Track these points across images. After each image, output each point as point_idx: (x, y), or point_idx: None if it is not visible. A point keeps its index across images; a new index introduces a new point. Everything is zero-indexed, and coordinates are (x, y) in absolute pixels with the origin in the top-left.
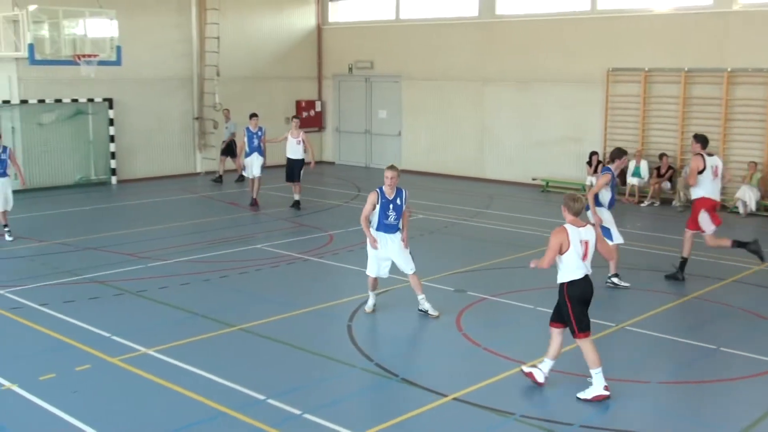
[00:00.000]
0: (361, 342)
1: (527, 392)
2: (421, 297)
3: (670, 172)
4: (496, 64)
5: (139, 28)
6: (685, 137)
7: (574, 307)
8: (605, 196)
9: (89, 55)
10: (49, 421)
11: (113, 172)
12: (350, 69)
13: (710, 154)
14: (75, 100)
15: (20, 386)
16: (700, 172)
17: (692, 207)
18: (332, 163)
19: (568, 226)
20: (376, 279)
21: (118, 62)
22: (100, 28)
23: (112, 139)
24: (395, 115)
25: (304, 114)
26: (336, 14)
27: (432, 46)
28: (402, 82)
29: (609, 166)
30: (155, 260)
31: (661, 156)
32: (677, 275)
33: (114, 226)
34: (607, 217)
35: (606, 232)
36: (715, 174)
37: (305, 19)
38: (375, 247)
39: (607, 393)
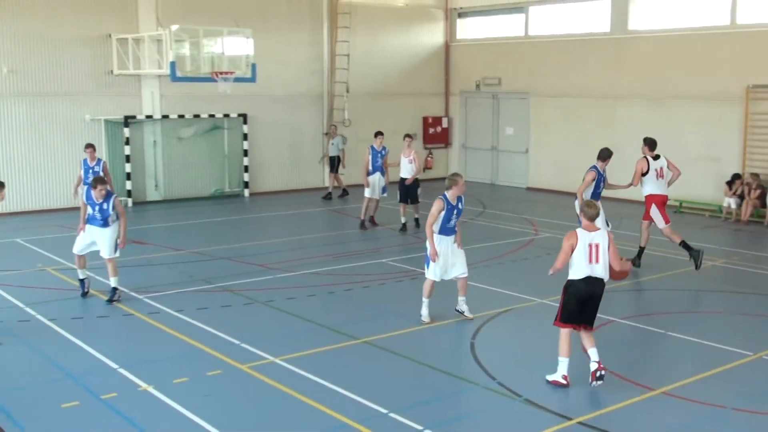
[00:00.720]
0: (484, 360)
1: (655, 418)
2: (462, 299)
3: None
4: (628, 81)
5: (273, 47)
6: None
7: (567, 299)
8: (587, 191)
9: (226, 72)
10: (182, 423)
11: (246, 185)
12: (477, 86)
13: (656, 157)
14: (212, 116)
15: (155, 388)
16: (644, 174)
17: (645, 202)
18: None
19: (579, 230)
20: (434, 285)
21: (252, 79)
22: (236, 47)
23: (245, 153)
24: (522, 132)
25: (431, 130)
26: (464, 31)
27: (561, 62)
28: (530, 98)
29: (596, 164)
30: (283, 271)
31: None
32: (635, 261)
33: (245, 237)
34: None
35: None
36: (660, 175)
37: (433, 36)
38: (434, 260)
39: (564, 383)
